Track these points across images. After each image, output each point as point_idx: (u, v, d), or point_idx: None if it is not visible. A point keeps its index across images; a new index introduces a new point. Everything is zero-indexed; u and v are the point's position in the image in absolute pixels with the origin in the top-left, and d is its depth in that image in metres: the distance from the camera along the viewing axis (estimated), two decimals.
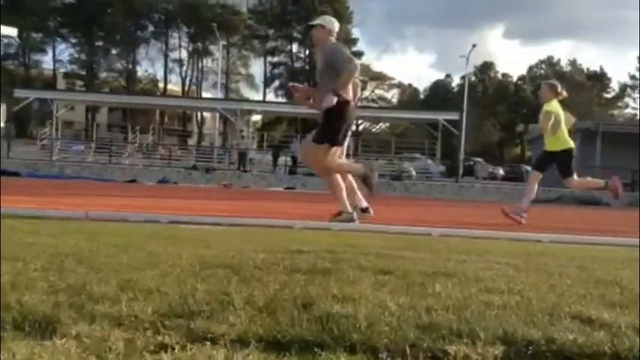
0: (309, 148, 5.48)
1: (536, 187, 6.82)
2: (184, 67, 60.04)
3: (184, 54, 59.84)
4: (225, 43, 50.64)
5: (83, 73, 57.33)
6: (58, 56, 57.80)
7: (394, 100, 66.70)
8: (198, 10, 54.57)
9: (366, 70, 63.14)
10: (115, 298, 1.75)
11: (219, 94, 46.82)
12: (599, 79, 66.08)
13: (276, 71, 60.94)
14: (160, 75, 60.14)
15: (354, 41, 60.79)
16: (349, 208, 5.37)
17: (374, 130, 58.73)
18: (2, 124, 23.71)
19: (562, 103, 6.81)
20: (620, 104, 67.45)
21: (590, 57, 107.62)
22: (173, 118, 59.96)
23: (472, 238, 4.54)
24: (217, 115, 34.90)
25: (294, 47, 60.40)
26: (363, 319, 1.59)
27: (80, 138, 39.13)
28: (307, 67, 56.43)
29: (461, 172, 28.28)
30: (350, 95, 5.30)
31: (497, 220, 6.53)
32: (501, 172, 37.68)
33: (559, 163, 6.77)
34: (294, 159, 25.03)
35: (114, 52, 57.94)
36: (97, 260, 2.42)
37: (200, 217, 5.10)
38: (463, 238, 4.50)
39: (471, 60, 39.87)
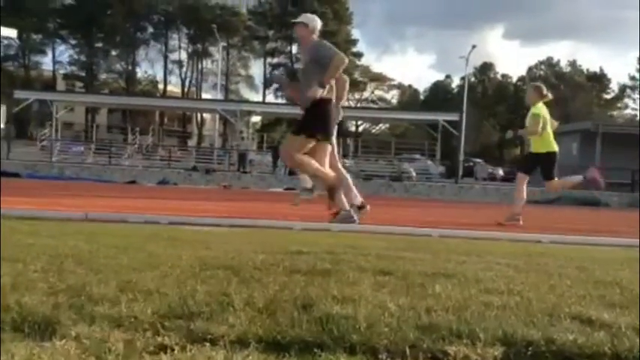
0: (285, 141, 5.52)
1: (524, 189, 6.80)
2: (184, 69, 60.10)
3: (184, 55, 59.92)
4: (224, 44, 50.63)
5: (83, 74, 57.33)
6: (57, 57, 57.90)
7: (394, 101, 66.71)
8: (198, 12, 54.61)
9: (365, 71, 63.19)
10: (115, 299, 1.75)
11: (219, 96, 46.84)
12: (599, 79, 66.04)
13: (276, 72, 60.95)
14: (159, 76, 60.22)
15: (354, 42, 60.85)
16: (347, 206, 5.41)
17: (374, 130, 58.85)
18: (2, 125, 23.71)
19: (547, 105, 6.82)
20: (619, 105, 67.45)
21: (589, 58, 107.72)
22: (173, 119, 59.97)
23: (472, 239, 4.54)
24: (217, 116, 34.89)
25: (294, 48, 60.43)
26: (363, 320, 1.59)
27: (80, 139, 39.05)
28: None
29: (461, 172, 28.28)
30: (335, 94, 5.33)
31: (496, 221, 6.52)
32: (501, 172, 37.65)
33: (543, 165, 6.75)
34: None
35: (113, 53, 57.96)
36: (96, 261, 2.42)
37: (200, 219, 5.10)
38: (463, 239, 4.50)
39: (470, 61, 39.87)
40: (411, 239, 4.16)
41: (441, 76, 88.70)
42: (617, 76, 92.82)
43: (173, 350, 1.38)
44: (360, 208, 5.65)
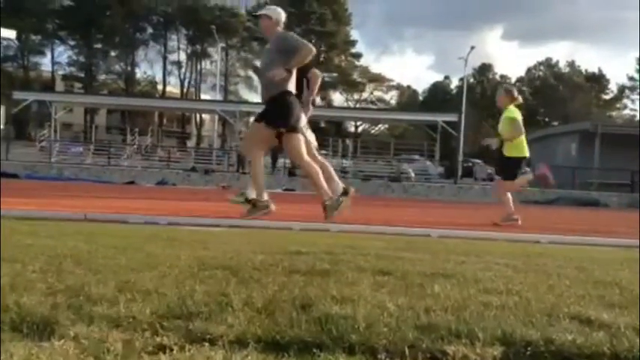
0: (249, 130, 5.69)
1: (509, 193, 6.78)
2: (183, 69, 60.16)
3: (183, 56, 60.00)
4: (223, 45, 50.66)
5: (82, 75, 57.36)
6: (56, 58, 57.98)
7: (393, 102, 66.77)
8: (197, 13, 54.65)
9: (364, 71, 63.27)
10: (114, 299, 1.75)
11: (218, 96, 46.82)
12: (598, 80, 66.15)
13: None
14: (158, 77, 60.31)
15: (353, 43, 60.89)
16: (330, 194, 5.52)
17: (373, 131, 58.84)
18: (1, 126, 23.72)
19: (519, 108, 6.83)
20: (618, 105, 67.57)
21: (588, 58, 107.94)
22: (172, 120, 59.99)
23: (471, 239, 4.54)
24: (216, 116, 34.87)
25: None
26: (362, 320, 1.59)
27: (79, 140, 39.01)
28: None
29: (459, 173, 28.30)
30: (309, 88, 5.58)
31: (495, 221, 6.52)
32: None
33: (509, 167, 6.73)
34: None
35: (113, 54, 58.01)
36: (95, 262, 2.42)
37: (199, 219, 5.10)
38: (462, 239, 4.50)
39: (469, 62, 40.00)
40: (410, 239, 4.16)
41: (439, 77, 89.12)
42: (616, 76, 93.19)
43: (172, 350, 1.37)
44: (343, 193, 5.70)
